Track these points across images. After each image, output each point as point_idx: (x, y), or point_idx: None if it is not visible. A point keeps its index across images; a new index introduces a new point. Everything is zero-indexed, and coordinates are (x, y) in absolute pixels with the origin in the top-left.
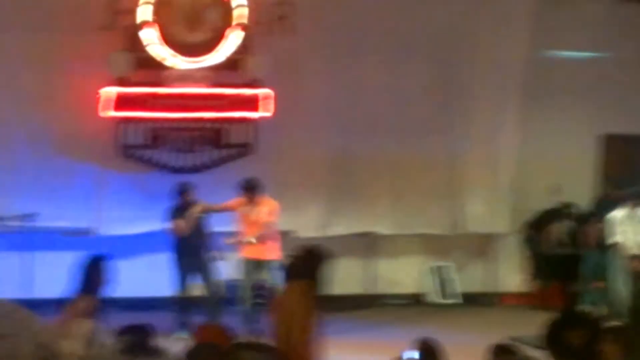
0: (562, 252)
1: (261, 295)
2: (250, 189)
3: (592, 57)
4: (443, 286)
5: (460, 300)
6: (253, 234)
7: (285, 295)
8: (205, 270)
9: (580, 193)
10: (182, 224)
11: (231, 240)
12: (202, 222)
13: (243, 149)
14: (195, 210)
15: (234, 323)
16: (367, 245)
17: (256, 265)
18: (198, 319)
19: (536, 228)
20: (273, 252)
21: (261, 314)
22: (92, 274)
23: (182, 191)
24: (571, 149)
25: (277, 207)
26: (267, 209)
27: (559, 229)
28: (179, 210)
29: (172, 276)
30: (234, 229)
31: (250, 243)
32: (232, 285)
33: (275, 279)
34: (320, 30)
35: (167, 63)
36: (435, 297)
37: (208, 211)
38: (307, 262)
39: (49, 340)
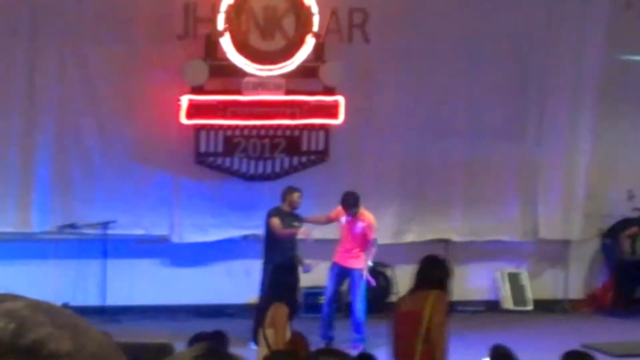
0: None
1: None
2: (350, 205)
3: None
4: (515, 293)
5: (532, 307)
6: (352, 247)
7: (416, 303)
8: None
9: None
10: (278, 223)
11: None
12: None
13: (316, 157)
14: (300, 230)
15: (307, 330)
16: (440, 251)
17: (342, 272)
18: None
19: (612, 235)
20: (359, 262)
21: (335, 321)
22: (282, 281)
23: (284, 194)
24: None
25: (373, 219)
26: (365, 224)
27: (635, 236)
28: (279, 213)
29: (248, 282)
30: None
31: (369, 266)
32: (308, 293)
33: (356, 288)
34: (393, 37)
35: (242, 71)
36: (507, 304)
37: (310, 222)
38: (435, 271)
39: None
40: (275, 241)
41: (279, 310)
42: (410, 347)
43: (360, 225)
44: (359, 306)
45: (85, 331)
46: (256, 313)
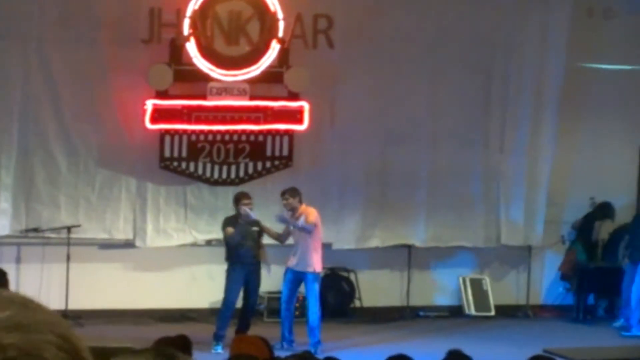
0: (600, 265)
1: (297, 307)
2: (292, 196)
3: (628, 69)
4: (477, 298)
5: (494, 313)
6: (302, 248)
7: None
8: (250, 284)
9: (620, 206)
10: (231, 230)
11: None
12: (255, 235)
13: (281, 162)
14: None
15: (270, 334)
16: (403, 257)
17: (295, 276)
18: (233, 331)
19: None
20: (310, 264)
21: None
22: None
23: (234, 202)
24: (608, 162)
25: (314, 210)
26: (305, 215)
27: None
28: (232, 220)
29: (211, 287)
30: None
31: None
32: (269, 297)
33: (309, 292)
34: (357, 43)
35: (207, 76)
36: (469, 309)
37: (268, 233)
38: None
39: (68, 332)
40: (234, 246)
41: None
42: None
43: (302, 218)
44: (312, 310)
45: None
46: (243, 317)
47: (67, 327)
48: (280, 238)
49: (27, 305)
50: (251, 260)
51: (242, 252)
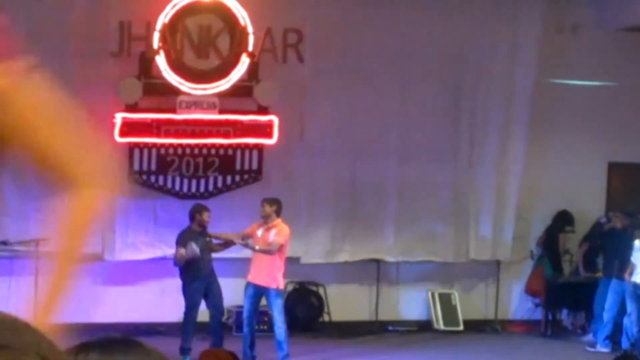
0: (573, 279)
1: (262, 322)
2: (270, 204)
3: (597, 85)
4: (446, 313)
5: (462, 327)
6: (265, 263)
7: None
8: (212, 295)
9: (589, 222)
10: (182, 253)
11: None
12: (208, 245)
13: (250, 176)
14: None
15: (237, 348)
16: (372, 271)
17: (257, 291)
18: (201, 345)
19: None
20: (274, 280)
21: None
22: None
23: (193, 214)
24: (577, 177)
25: (287, 230)
26: (276, 230)
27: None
28: (188, 234)
29: (181, 301)
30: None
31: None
32: (236, 311)
33: (273, 307)
34: (327, 57)
35: (176, 89)
36: (438, 324)
37: (220, 239)
38: None
39: (53, 353)
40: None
41: None
42: None
43: (273, 232)
44: (278, 325)
45: None
46: (215, 331)
47: (53, 349)
48: (239, 238)
49: (15, 326)
50: (209, 271)
51: (201, 265)
